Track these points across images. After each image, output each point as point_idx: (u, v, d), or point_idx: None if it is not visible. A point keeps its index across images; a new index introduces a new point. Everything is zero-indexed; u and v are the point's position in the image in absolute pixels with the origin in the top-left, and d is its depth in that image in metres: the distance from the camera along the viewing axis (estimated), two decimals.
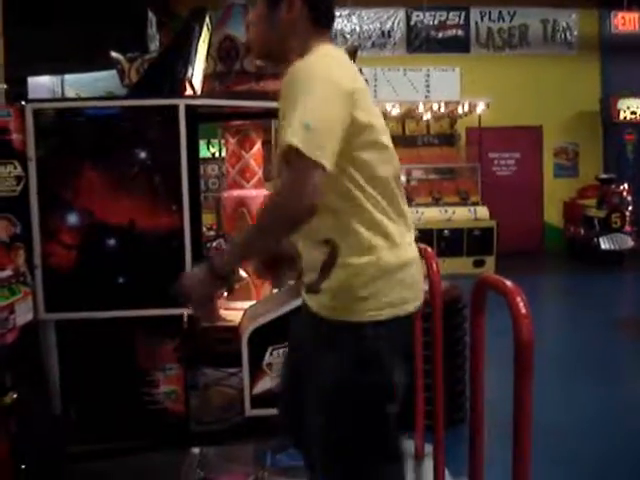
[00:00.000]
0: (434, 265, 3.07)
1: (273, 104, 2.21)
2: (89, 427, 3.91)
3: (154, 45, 8.84)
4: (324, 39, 2.10)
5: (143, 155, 3.71)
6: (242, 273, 5.26)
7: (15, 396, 2.81)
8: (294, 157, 1.82)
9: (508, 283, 2.07)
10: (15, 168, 3.66)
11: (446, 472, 3.19)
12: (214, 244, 4.96)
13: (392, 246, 2.04)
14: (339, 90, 1.91)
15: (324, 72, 1.93)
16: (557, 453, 3.77)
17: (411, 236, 2.15)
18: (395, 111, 11.27)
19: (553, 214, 12.93)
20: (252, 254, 2.07)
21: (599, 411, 4.71)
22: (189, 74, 4.09)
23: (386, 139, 2.08)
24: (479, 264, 10.13)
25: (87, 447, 3.81)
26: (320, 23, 2.12)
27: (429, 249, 3.17)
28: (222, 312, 5.40)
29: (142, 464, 3.69)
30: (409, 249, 2.11)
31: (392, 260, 2.04)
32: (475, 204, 10.85)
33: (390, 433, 2.09)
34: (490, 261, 10.21)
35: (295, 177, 1.83)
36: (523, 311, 1.99)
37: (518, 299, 2.01)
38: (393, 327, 2.05)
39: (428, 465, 3.30)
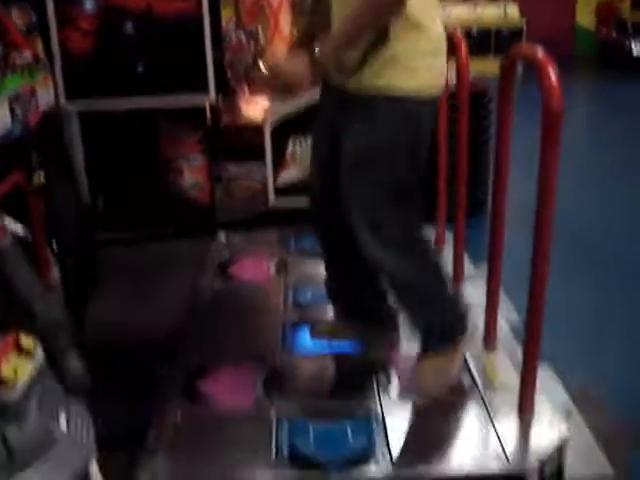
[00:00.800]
0: (463, 49, 2.95)
1: None
2: (117, 216, 4.01)
3: None
4: None
5: None
6: (263, 68, 5.14)
7: (42, 178, 2.84)
8: None
9: (540, 52, 2.01)
10: None
11: (465, 257, 3.27)
12: (233, 37, 4.79)
13: (437, 28, 2.13)
14: None
15: None
16: (579, 245, 3.82)
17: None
18: None
19: (585, 15, 12.35)
20: (351, 42, 2.05)
21: (622, 208, 4.74)
22: None
23: None
24: None
25: (116, 235, 3.94)
26: None
27: (459, 32, 3.05)
28: (244, 107, 5.35)
29: (170, 251, 3.81)
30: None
31: (440, 39, 2.14)
32: (506, 1, 10.34)
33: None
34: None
35: None
36: (554, 81, 1.94)
37: (549, 68, 1.96)
38: (429, 105, 2.16)
39: (448, 251, 3.37)
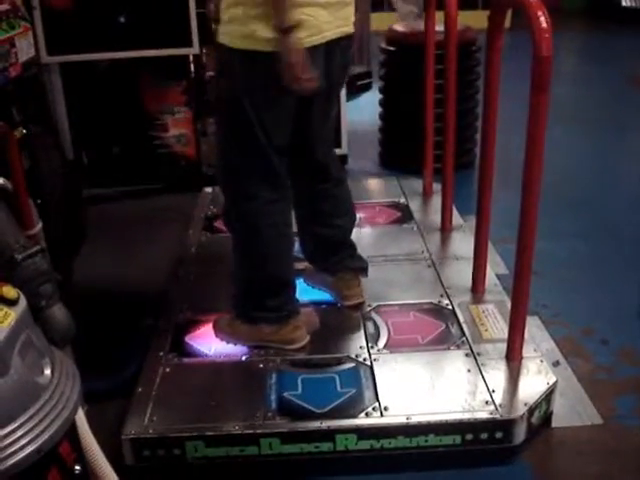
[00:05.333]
0: (451, 1, 2.90)
1: None
2: (102, 172, 3.97)
3: None
4: None
5: None
6: None
7: (24, 131, 2.79)
8: None
9: None
10: None
11: (454, 209, 3.25)
12: None
13: None
14: None
15: None
16: (565, 198, 3.81)
17: None
18: None
19: None
20: None
21: (608, 160, 4.73)
22: None
23: None
24: None
25: (101, 190, 3.90)
26: None
27: None
28: None
29: (157, 205, 3.78)
30: None
31: None
32: None
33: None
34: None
35: None
36: (544, 25, 1.91)
37: (539, 12, 1.92)
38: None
39: (436, 201, 3.35)
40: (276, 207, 2.26)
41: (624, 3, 10.55)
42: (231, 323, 2.40)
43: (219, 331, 2.41)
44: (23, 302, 1.25)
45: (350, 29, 2.23)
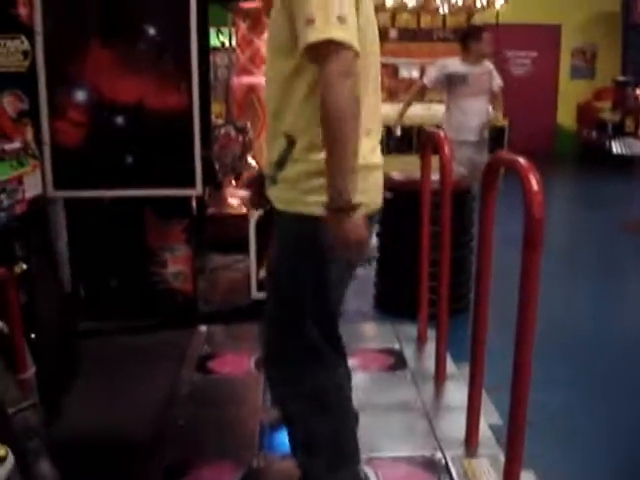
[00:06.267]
0: (445, 148, 3.02)
1: None
2: (98, 305, 3.98)
3: None
4: None
5: (152, 32, 3.62)
6: (251, 161, 5.23)
7: (25, 267, 2.82)
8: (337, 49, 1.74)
9: (521, 160, 2.05)
10: (22, 43, 3.58)
11: (448, 357, 3.25)
12: (223, 131, 4.89)
13: None
14: None
15: None
16: (559, 345, 3.81)
17: (374, 141, 2.04)
18: (411, 3, 10.93)
19: (566, 116, 12.71)
20: (349, 163, 1.81)
21: (602, 306, 4.76)
22: None
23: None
24: None
25: (97, 324, 3.90)
26: None
27: (441, 133, 3.13)
28: (230, 200, 5.41)
29: (150, 341, 3.76)
30: (368, 155, 1.98)
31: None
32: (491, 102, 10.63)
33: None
34: None
35: (342, 64, 1.75)
36: (535, 187, 1.98)
37: (531, 175, 2.00)
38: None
39: (430, 348, 3.36)
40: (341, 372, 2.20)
41: (615, 150, 10.93)
42: None
43: None
44: (11, 460, 1.24)
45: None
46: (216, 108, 6.81)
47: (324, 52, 1.74)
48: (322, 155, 1.84)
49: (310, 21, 1.74)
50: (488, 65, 5.90)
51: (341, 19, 1.73)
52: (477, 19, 11.76)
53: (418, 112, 9.47)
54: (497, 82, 5.99)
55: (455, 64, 5.75)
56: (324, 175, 1.83)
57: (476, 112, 5.76)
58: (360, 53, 1.80)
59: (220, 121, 5.24)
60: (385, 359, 3.40)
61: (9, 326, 1.93)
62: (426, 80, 5.87)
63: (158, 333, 3.83)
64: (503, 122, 10.27)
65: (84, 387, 3.04)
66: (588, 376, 3.56)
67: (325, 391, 2.11)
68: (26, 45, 3.58)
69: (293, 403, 2.15)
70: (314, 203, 1.88)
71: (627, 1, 12.38)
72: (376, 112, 2.04)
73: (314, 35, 1.74)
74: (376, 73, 2.05)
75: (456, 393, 3.00)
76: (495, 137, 10.11)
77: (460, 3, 11.07)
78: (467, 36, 5.85)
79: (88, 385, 3.11)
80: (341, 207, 1.79)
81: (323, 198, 1.82)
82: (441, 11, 11.62)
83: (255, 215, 3.94)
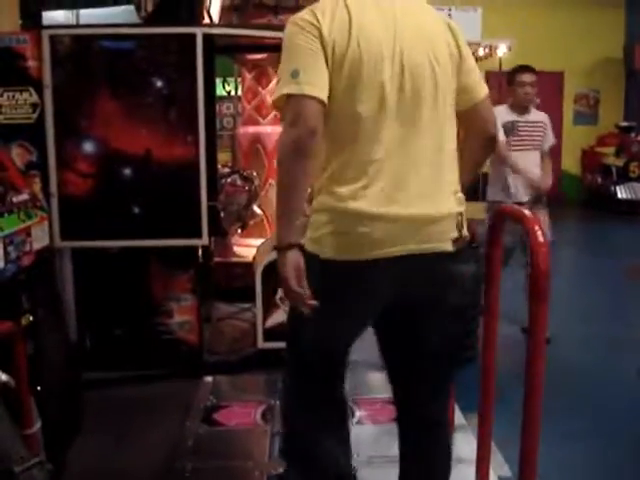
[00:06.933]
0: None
1: None
2: (104, 355, 3.96)
3: None
4: None
5: (160, 84, 3.68)
6: (256, 210, 5.25)
7: (31, 319, 2.82)
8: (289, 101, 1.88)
9: (526, 212, 2.07)
10: (31, 95, 3.65)
11: (456, 407, 3.22)
12: (229, 180, 4.93)
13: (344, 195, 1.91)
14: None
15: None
16: (567, 393, 3.78)
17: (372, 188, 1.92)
18: None
19: (571, 162, 12.79)
20: (293, 208, 1.90)
21: (611, 352, 4.73)
22: (207, 3, 4.02)
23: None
24: None
25: (102, 375, 3.88)
26: None
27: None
28: (236, 248, 5.42)
29: (156, 392, 3.74)
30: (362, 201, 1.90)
31: (339, 206, 1.91)
32: None
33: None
34: None
35: (291, 113, 1.86)
36: (540, 239, 1.99)
37: (536, 227, 2.01)
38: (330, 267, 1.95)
39: None
40: None
41: (619, 195, 10.97)
42: None
43: None
44: None
45: (435, 246, 1.99)
46: (222, 156, 6.89)
47: (282, 106, 1.91)
48: (319, 197, 1.98)
49: (277, 82, 1.95)
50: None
51: (294, 73, 1.87)
52: (480, 67, 11.88)
53: None
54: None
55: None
56: (316, 214, 1.98)
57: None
58: (341, 94, 1.89)
59: (226, 170, 5.27)
60: (394, 410, 3.35)
61: (15, 380, 1.92)
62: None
63: (163, 383, 3.81)
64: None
65: (89, 437, 3.02)
66: (597, 427, 3.52)
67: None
68: (35, 98, 3.64)
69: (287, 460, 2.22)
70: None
71: (629, 47, 12.55)
72: (382, 152, 1.92)
73: (274, 94, 1.94)
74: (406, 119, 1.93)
75: (465, 445, 2.95)
76: None
77: None
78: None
79: (93, 435, 3.08)
80: (275, 246, 1.94)
81: (308, 235, 1.98)
82: None
83: (261, 264, 3.94)
